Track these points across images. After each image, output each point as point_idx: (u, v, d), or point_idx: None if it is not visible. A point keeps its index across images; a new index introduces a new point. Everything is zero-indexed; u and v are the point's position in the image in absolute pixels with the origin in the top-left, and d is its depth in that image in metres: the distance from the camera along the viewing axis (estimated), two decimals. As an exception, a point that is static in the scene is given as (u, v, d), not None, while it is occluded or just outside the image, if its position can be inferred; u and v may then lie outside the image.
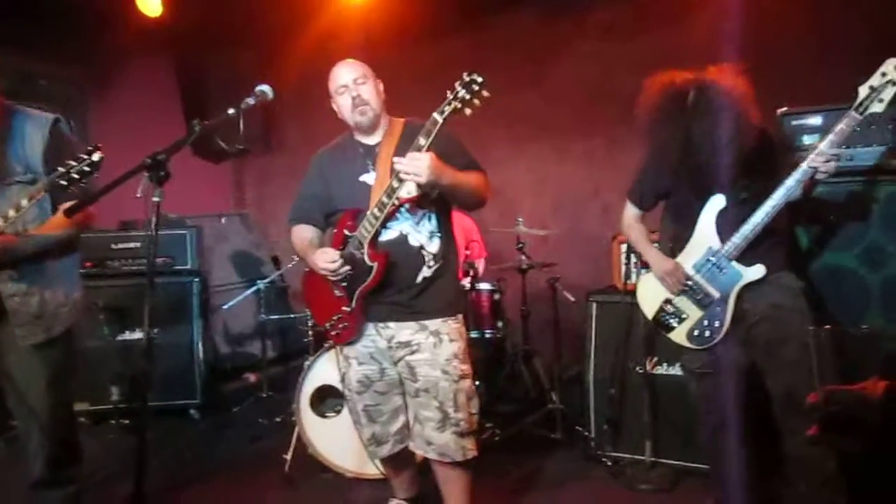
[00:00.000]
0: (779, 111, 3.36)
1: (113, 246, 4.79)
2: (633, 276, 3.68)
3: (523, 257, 4.27)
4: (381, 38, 5.08)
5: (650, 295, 2.95)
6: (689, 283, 2.79)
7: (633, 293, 3.63)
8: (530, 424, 4.09)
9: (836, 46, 4.06)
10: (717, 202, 2.73)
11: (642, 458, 3.61)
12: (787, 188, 2.57)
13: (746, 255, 2.68)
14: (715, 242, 2.73)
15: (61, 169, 2.30)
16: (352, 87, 2.65)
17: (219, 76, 5.89)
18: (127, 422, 4.51)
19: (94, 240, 4.72)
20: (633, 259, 3.68)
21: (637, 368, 3.66)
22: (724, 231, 2.71)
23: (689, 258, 2.81)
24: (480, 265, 4.42)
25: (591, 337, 3.82)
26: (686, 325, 2.83)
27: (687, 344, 2.83)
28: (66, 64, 5.38)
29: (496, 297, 4.22)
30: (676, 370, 3.57)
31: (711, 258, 2.74)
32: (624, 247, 3.75)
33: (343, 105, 2.70)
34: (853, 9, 4.12)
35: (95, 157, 2.27)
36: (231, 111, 2.32)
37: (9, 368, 2.63)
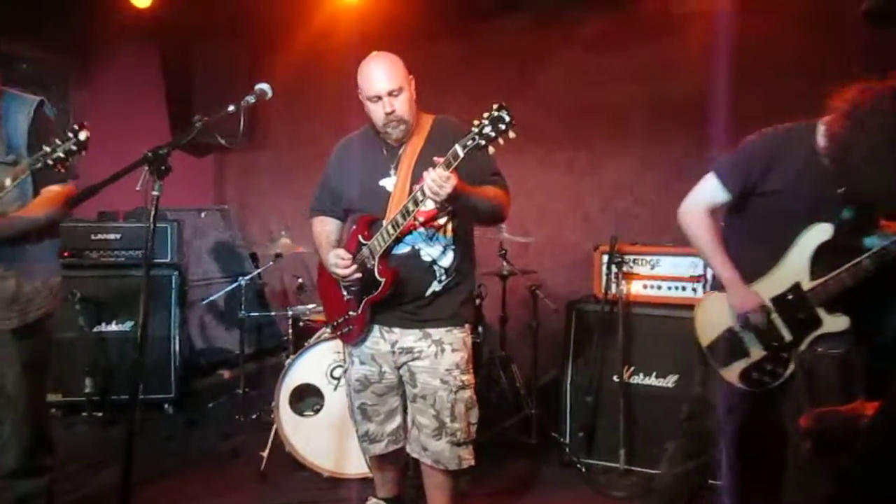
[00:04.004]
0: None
1: (92, 237, 4.75)
2: (614, 287, 3.74)
3: (505, 263, 4.31)
4: (374, 39, 5.01)
5: (711, 319, 2.56)
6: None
7: (612, 302, 3.74)
8: (506, 429, 4.13)
9: (829, 64, 4.14)
10: (822, 233, 2.35)
11: (616, 465, 3.68)
12: None
13: (833, 303, 2.36)
14: (805, 279, 2.38)
15: (47, 148, 2.26)
16: (386, 100, 2.54)
17: (205, 70, 5.83)
18: (100, 414, 4.48)
19: (73, 230, 4.68)
20: (615, 270, 3.73)
21: (613, 377, 3.72)
22: (817, 268, 2.37)
23: (768, 290, 2.44)
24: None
25: (570, 345, 3.89)
26: (743, 364, 2.48)
27: (737, 383, 2.49)
28: (50, 49, 5.30)
29: (476, 302, 4.25)
30: (652, 380, 3.66)
31: (795, 296, 2.40)
32: (605, 257, 3.80)
33: (375, 113, 2.60)
34: (844, 26, 4.20)
35: (82, 135, 2.23)
36: (231, 108, 2.32)
37: None
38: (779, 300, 2.43)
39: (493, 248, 4.39)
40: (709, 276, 3.59)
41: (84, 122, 2.28)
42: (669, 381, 3.61)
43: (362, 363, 2.77)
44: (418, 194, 2.36)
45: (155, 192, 1.96)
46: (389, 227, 2.50)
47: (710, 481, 2.80)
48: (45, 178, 2.56)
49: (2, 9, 4.59)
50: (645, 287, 3.77)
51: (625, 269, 3.77)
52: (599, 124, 5.12)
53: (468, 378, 2.69)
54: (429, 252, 2.62)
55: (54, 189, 2.61)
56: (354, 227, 2.70)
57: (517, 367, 4.43)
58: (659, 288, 3.75)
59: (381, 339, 2.71)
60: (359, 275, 2.59)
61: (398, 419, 2.82)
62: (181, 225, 5.03)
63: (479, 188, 2.51)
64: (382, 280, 2.55)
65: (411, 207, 2.42)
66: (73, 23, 5.11)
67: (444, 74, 5.04)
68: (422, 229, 2.59)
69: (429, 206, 2.45)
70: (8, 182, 2.33)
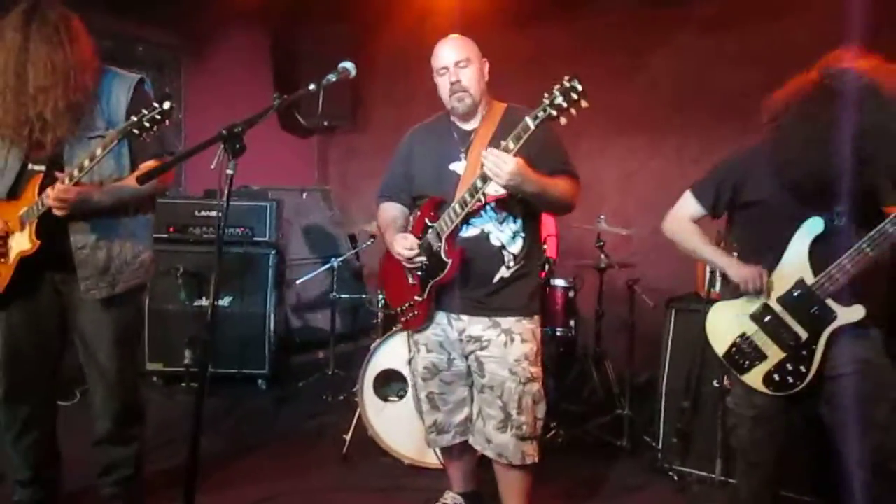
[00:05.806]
0: None
1: (196, 213, 4.88)
2: (718, 285, 3.49)
3: (602, 256, 4.12)
4: (477, 20, 4.98)
5: (723, 328, 2.57)
6: (772, 318, 2.43)
7: (715, 302, 3.48)
8: (596, 429, 3.97)
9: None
10: (814, 226, 2.36)
11: (712, 475, 3.43)
12: None
13: (843, 293, 2.33)
14: (808, 274, 2.38)
15: (134, 118, 2.32)
16: (452, 70, 2.53)
17: (311, 51, 5.91)
18: (196, 385, 4.61)
19: (178, 206, 4.84)
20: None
21: (714, 382, 3.48)
22: (817, 262, 2.36)
23: (774, 290, 2.45)
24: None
25: (668, 345, 3.66)
26: (764, 367, 2.46)
27: (762, 388, 2.46)
28: (164, 31, 5.50)
29: (570, 294, 4.09)
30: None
31: (801, 292, 2.39)
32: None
33: (442, 87, 2.59)
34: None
35: (165, 105, 2.28)
36: (312, 86, 2.27)
37: (81, 326, 2.70)
38: (786, 298, 2.42)
39: (591, 238, 4.21)
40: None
41: (173, 104, 2.33)
42: (775, 390, 3.34)
43: (429, 351, 2.71)
44: (486, 171, 2.31)
45: (229, 171, 1.93)
46: (457, 206, 2.45)
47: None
48: (140, 151, 2.63)
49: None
50: (752, 287, 3.50)
51: (731, 267, 3.51)
52: (712, 110, 4.83)
53: (537, 370, 2.60)
54: (498, 236, 2.55)
55: (150, 164, 2.65)
56: (420, 210, 2.64)
57: (611, 365, 4.25)
58: (768, 288, 3.47)
59: (449, 327, 2.64)
60: (423, 258, 2.53)
61: (466, 410, 2.75)
62: (280, 204, 5.10)
63: (547, 177, 2.44)
64: (449, 261, 2.49)
65: (479, 184, 2.36)
66: (186, 6, 5.27)
67: (548, 58, 4.87)
68: (492, 213, 2.53)
69: (499, 190, 2.41)
70: (99, 151, 2.38)
